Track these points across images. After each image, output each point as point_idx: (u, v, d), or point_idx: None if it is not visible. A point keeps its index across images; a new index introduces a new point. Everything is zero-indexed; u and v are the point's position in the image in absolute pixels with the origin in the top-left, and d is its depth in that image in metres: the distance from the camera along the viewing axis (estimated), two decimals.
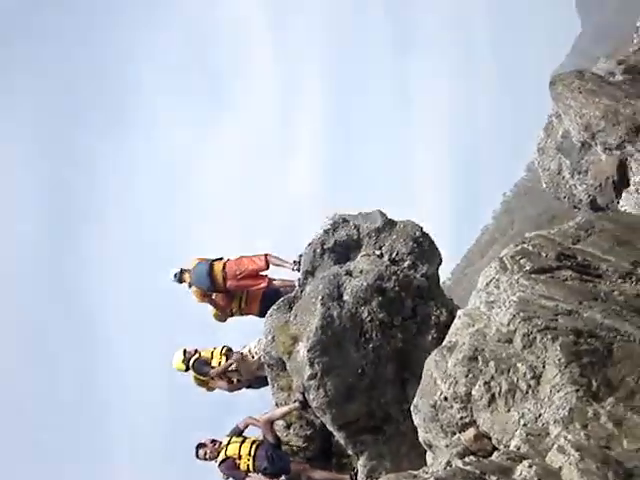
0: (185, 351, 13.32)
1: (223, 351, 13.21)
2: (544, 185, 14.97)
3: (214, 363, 13.09)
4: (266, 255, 13.09)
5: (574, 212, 14.84)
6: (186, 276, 13.34)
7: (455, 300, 12.74)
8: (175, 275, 13.42)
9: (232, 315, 13.65)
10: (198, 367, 13.15)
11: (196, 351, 13.37)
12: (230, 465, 11.84)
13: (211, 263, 13.21)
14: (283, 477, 11.71)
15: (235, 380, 13.27)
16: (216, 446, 12.10)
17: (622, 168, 12.35)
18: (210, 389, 13.58)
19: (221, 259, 13.32)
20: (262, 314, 12.77)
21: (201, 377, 13.28)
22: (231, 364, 12.94)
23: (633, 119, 12.24)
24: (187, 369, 13.28)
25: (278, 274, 13.41)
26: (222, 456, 11.92)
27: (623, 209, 12.12)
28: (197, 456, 12.30)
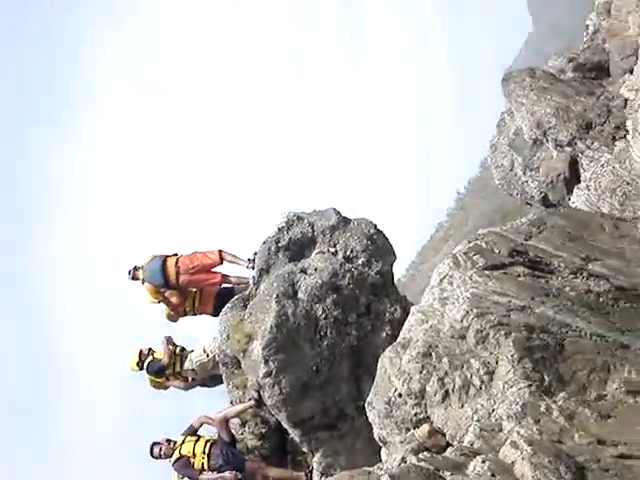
0: (141, 352, 13.24)
1: (177, 352, 13.14)
2: (497, 182, 15.09)
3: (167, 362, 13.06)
4: (220, 251, 13.01)
5: (527, 209, 14.98)
6: (139, 273, 13.19)
7: (409, 297, 12.77)
8: (129, 272, 13.30)
9: (185, 314, 13.53)
10: (152, 369, 13.09)
11: (150, 351, 13.28)
12: (184, 464, 11.79)
13: (164, 258, 13.09)
14: (238, 474, 11.67)
15: (190, 379, 13.21)
16: (171, 445, 12.05)
17: (573, 165, 12.50)
18: (165, 388, 13.50)
19: (175, 255, 13.22)
20: (216, 313, 12.71)
21: (156, 379, 13.20)
22: (170, 354, 12.97)
23: (583, 116, 12.40)
24: (141, 369, 13.21)
25: (232, 271, 13.34)
26: (176, 455, 11.86)
27: (574, 205, 12.26)
28: (152, 454, 12.22)
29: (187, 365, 13.02)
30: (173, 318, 13.54)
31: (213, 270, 13.11)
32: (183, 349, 13.28)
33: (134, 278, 13.27)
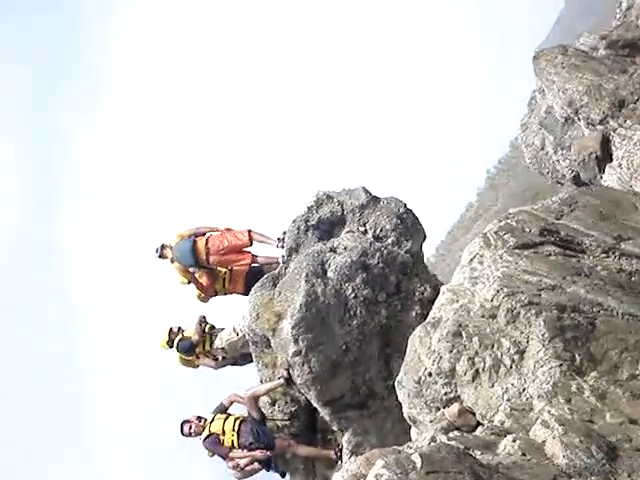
0: (170, 330, 13.32)
1: (206, 330, 13.21)
2: (527, 161, 14.99)
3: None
4: (249, 231, 13.00)
5: (558, 188, 14.86)
6: (167, 252, 13.24)
7: (439, 276, 12.74)
8: (156, 250, 13.35)
9: (216, 294, 13.58)
10: (182, 347, 13.17)
11: (179, 330, 13.36)
12: (214, 441, 11.88)
13: (194, 239, 13.12)
14: (268, 452, 11.74)
15: (220, 358, 13.27)
16: (201, 422, 12.13)
17: (605, 143, 12.34)
18: (195, 367, 13.58)
19: (204, 235, 13.23)
20: (247, 292, 12.72)
21: (185, 357, 13.29)
22: (200, 331, 13.11)
23: (616, 94, 12.23)
24: (171, 347, 13.30)
25: (262, 251, 13.36)
26: (206, 432, 11.96)
27: (606, 184, 12.12)
28: (182, 432, 12.32)
29: (217, 344, 13.08)
30: (204, 298, 13.59)
31: (243, 250, 13.12)
32: (213, 327, 13.34)
33: (162, 257, 13.32)
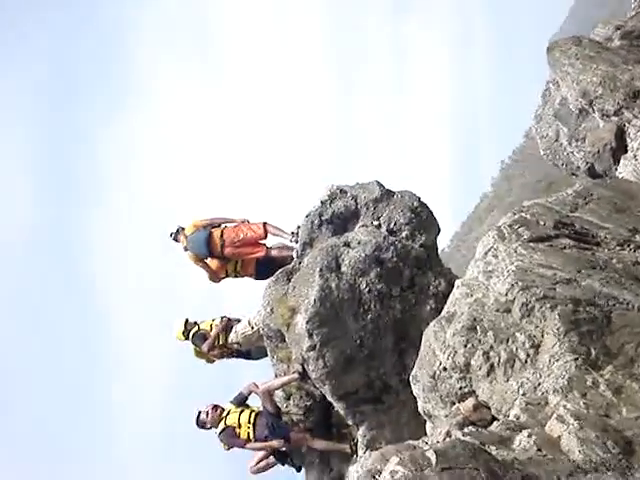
0: (187, 321, 13.36)
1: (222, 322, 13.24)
2: (542, 152, 14.93)
3: (213, 335, 13.14)
4: (265, 224, 13.02)
5: (572, 179, 14.80)
6: (182, 238, 13.31)
7: (454, 267, 12.71)
8: (171, 234, 13.45)
9: (227, 276, 13.63)
10: (196, 340, 13.20)
11: (195, 323, 13.39)
12: (230, 433, 11.90)
13: (210, 231, 13.15)
14: (284, 444, 11.76)
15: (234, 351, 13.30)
16: (218, 412, 12.15)
17: (620, 134, 12.30)
18: (210, 361, 13.60)
19: (219, 226, 13.26)
20: (257, 277, 13.04)
21: (200, 349, 13.31)
22: (217, 334, 13.01)
23: (631, 85, 12.17)
24: (187, 339, 13.34)
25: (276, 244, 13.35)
26: (222, 425, 11.98)
27: (621, 176, 12.08)
28: (197, 423, 12.34)
29: (232, 337, 13.08)
30: (215, 280, 13.63)
31: (258, 242, 13.13)
32: (229, 319, 13.36)
33: (176, 240, 13.40)
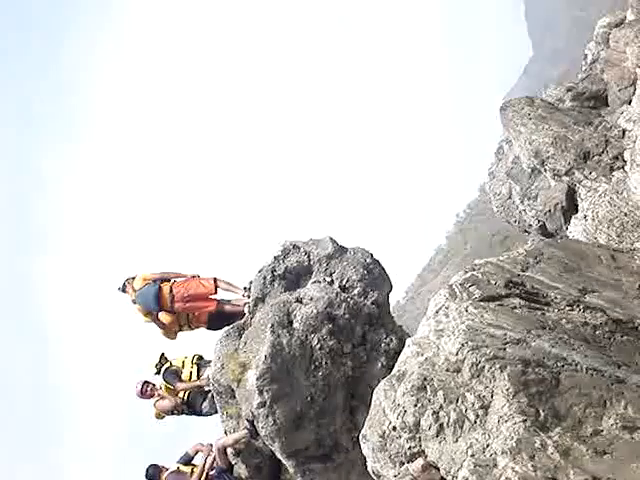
0: (162, 355, 13.29)
1: (194, 360, 13.14)
2: (495, 209, 15.10)
3: (185, 372, 13.09)
4: (215, 279, 12.97)
5: (525, 235, 14.97)
6: (130, 291, 13.20)
7: (408, 319, 12.80)
8: (119, 287, 13.38)
9: (181, 330, 13.50)
10: (167, 377, 13.04)
11: (167, 359, 13.26)
12: None
13: (159, 285, 13.05)
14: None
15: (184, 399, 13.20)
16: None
17: (571, 194, 12.46)
18: (160, 417, 13.45)
19: (169, 280, 13.17)
20: (210, 327, 13.01)
21: (169, 385, 13.14)
22: (198, 385, 12.90)
23: (582, 145, 12.37)
24: (158, 373, 13.19)
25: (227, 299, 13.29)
26: None
27: (572, 235, 12.22)
28: (147, 477, 12.17)
29: (206, 374, 12.92)
30: (170, 336, 13.49)
31: (208, 297, 13.05)
32: (201, 357, 13.25)
33: (125, 292, 13.28)
